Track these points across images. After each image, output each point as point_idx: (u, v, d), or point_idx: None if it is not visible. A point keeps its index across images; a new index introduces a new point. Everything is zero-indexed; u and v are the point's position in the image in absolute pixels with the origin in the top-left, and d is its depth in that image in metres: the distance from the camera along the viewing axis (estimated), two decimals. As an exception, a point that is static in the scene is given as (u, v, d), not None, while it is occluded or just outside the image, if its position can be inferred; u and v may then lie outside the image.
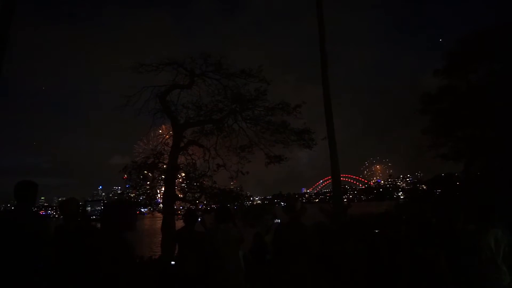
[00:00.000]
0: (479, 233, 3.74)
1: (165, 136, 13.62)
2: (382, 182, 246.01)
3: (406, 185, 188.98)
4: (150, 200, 13.28)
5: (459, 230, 3.95)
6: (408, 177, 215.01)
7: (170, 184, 12.07)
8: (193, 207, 12.73)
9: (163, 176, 12.62)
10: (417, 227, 3.70)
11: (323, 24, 12.80)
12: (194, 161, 13.19)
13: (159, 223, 13.38)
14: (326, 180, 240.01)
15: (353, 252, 5.54)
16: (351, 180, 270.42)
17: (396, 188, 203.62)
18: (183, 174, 13.37)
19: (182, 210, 12.71)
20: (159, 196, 13.37)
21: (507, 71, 13.75)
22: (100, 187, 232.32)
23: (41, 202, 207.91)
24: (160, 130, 13.85)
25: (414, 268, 3.38)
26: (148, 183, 13.09)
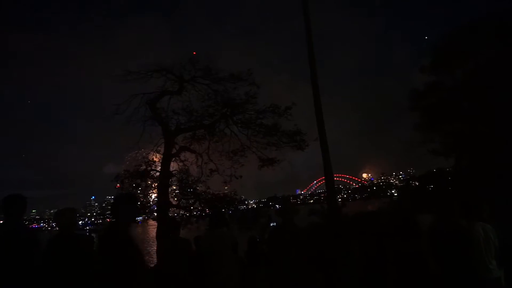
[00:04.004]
0: (468, 227, 3.79)
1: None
2: (376, 180, 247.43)
3: (399, 182, 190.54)
4: (144, 208, 13.16)
5: (451, 225, 3.99)
6: (401, 174, 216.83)
7: (163, 191, 11.98)
8: (187, 213, 12.65)
9: (156, 184, 12.53)
10: (400, 223, 3.75)
11: (310, 27, 12.77)
12: (187, 167, 13.15)
13: (152, 231, 13.26)
14: (320, 181, 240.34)
15: (346, 251, 5.56)
16: (344, 179, 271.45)
17: (390, 186, 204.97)
18: (176, 182, 13.27)
19: (177, 217, 12.63)
20: (152, 204, 13.27)
21: (494, 64, 13.96)
22: (93, 197, 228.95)
23: (32, 215, 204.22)
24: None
25: (401, 263, 3.41)
26: (141, 190, 12.98)
